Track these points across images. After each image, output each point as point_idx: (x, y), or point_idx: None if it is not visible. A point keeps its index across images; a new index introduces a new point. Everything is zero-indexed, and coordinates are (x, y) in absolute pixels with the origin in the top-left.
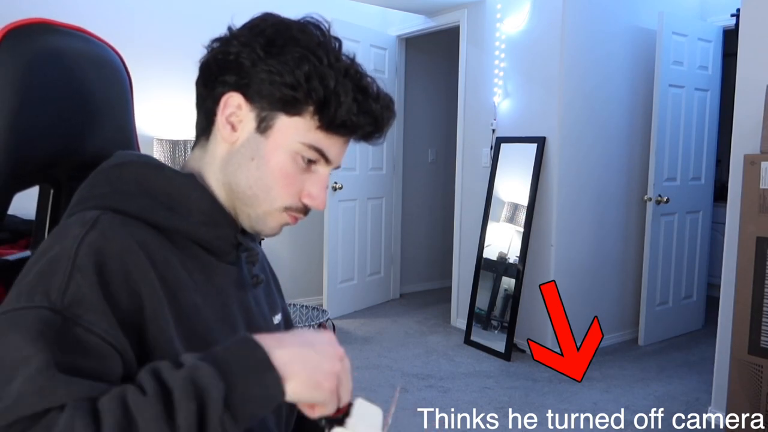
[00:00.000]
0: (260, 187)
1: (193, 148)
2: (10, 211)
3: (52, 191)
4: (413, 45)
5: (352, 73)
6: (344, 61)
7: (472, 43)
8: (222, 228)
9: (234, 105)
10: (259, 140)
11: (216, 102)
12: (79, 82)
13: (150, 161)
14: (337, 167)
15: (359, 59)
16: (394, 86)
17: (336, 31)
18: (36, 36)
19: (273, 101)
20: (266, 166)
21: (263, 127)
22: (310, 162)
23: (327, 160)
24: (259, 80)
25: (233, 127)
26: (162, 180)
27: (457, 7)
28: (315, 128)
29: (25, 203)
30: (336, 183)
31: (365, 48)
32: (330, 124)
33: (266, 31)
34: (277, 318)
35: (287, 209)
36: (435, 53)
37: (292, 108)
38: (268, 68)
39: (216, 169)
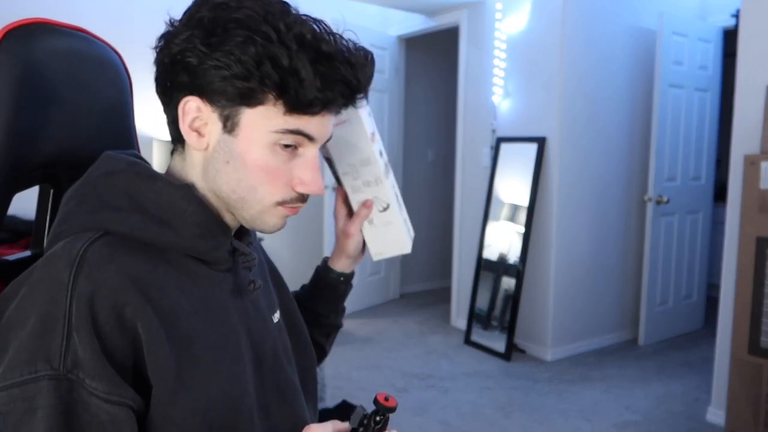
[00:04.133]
0: (244, 189)
1: (172, 153)
2: (11, 211)
3: (52, 191)
4: (413, 45)
5: (309, 40)
6: (297, 27)
7: (472, 43)
8: (217, 238)
9: (194, 110)
10: (230, 141)
11: (176, 110)
12: (78, 83)
13: (141, 171)
14: (328, 140)
15: None
16: (394, 86)
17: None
18: (35, 36)
19: (230, 97)
20: (243, 166)
21: (230, 126)
22: (291, 147)
23: (310, 139)
24: (210, 77)
25: (199, 133)
26: (154, 193)
27: (457, 7)
28: (283, 114)
29: (25, 203)
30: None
31: None
32: (297, 105)
33: (204, 20)
34: (276, 316)
35: (281, 203)
36: (435, 53)
37: (251, 100)
38: (215, 62)
39: (199, 178)
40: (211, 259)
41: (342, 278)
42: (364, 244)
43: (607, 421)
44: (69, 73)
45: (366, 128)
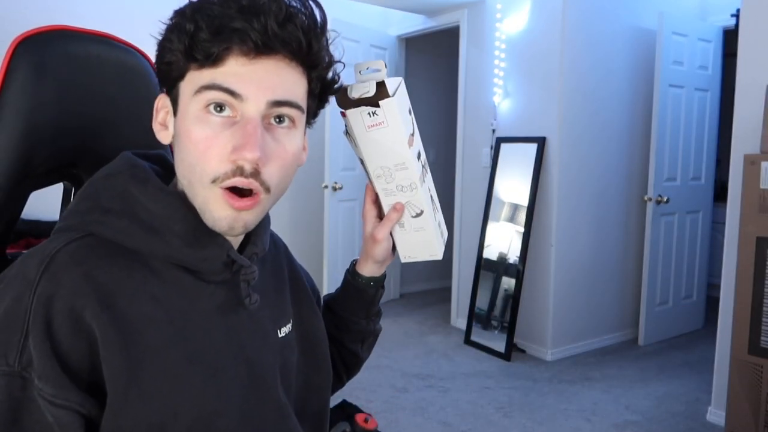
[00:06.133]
0: (187, 169)
1: None
2: None
3: (73, 189)
4: (413, 45)
5: None
6: None
7: (472, 43)
8: (209, 248)
9: (162, 106)
10: (176, 123)
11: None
12: (97, 85)
13: (138, 173)
14: (277, 103)
15: (359, 59)
16: None
17: (336, 31)
18: (51, 42)
19: (167, 79)
20: (182, 144)
21: (175, 108)
22: (223, 110)
23: (234, 95)
24: (156, 67)
25: (166, 127)
26: (145, 198)
27: (457, 7)
28: (196, 72)
29: (27, 204)
30: (336, 183)
31: (365, 48)
32: (197, 57)
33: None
34: (285, 329)
35: (216, 181)
36: (435, 53)
37: (175, 72)
38: (156, 53)
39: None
40: (200, 270)
41: (372, 282)
42: (393, 245)
43: (607, 421)
44: (86, 76)
45: (403, 133)
